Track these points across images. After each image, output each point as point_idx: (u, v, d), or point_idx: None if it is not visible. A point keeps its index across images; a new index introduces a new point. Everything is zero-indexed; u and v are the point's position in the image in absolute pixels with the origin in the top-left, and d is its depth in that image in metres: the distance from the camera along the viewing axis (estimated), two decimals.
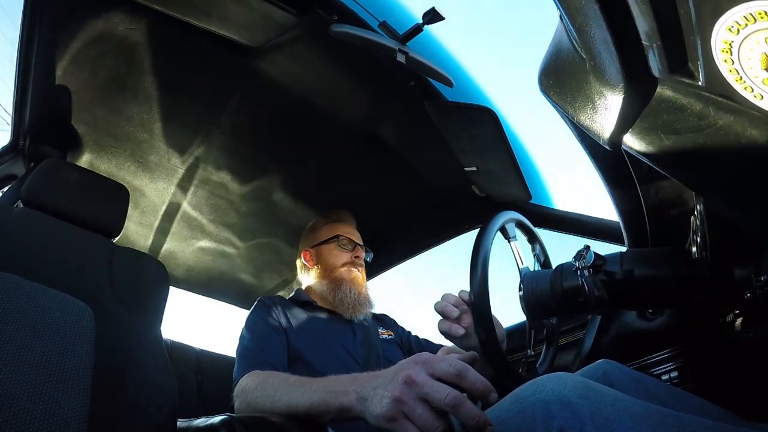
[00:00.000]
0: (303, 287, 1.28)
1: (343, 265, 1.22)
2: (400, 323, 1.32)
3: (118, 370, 0.68)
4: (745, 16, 0.29)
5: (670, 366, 0.93)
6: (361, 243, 1.29)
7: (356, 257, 1.24)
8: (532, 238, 0.97)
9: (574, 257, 0.74)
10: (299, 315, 1.13)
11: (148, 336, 0.78)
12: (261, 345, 0.99)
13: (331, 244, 1.25)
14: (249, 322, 1.08)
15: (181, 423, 0.68)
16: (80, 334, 0.65)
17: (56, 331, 0.62)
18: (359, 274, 1.24)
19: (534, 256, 0.96)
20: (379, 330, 1.21)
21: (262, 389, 0.80)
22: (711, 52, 0.32)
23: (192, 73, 1.02)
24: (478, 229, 0.83)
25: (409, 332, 1.29)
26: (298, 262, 1.33)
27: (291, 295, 1.25)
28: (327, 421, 0.67)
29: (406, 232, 1.52)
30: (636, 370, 0.94)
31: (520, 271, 0.87)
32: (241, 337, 1.04)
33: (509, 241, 0.89)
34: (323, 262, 1.24)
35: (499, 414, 0.52)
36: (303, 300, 1.19)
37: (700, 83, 0.36)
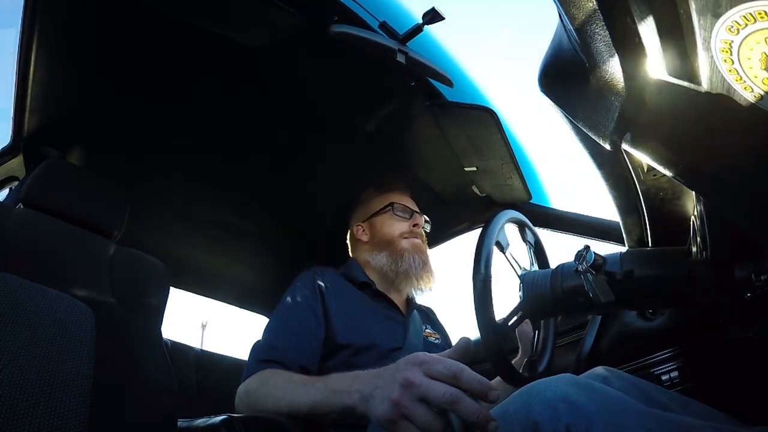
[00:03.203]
0: (359, 262, 1.16)
1: (401, 235, 1.12)
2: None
3: (119, 370, 0.68)
4: (744, 16, 0.29)
5: (670, 366, 0.92)
6: (418, 210, 1.18)
7: (415, 225, 1.14)
8: (533, 238, 0.97)
9: (575, 257, 0.74)
10: (350, 298, 1.02)
11: (149, 336, 0.78)
12: (283, 339, 0.90)
13: (385, 213, 1.15)
14: (287, 298, 0.97)
15: (181, 423, 0.68)
16: (80, 334, 0.65)
17: (56, 331, 0.62)
18: (421, 242, 1.13)
19: (534, 255, 0.96)
20: (427, 330, 1.12)
21: (265, 388, 0.79)
22: (711, 52, 0.32)
23: (192, 73, 1.02)
24: (478, 229, 0.83)
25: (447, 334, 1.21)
26: (349, 239, 1.23)
27: (343, 268, 1.13)
28: (330, 421, 0.66)
29: None
30: (636, 370, 0.94)
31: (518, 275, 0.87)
32: (271, 319, 0.96)
33: (503, 252, 0.87)
34: (379, 234, 1.13)
35: (504, 414, 0.52)
36: (360, 280, 1.09)
37: (700, 83, 0.36)
